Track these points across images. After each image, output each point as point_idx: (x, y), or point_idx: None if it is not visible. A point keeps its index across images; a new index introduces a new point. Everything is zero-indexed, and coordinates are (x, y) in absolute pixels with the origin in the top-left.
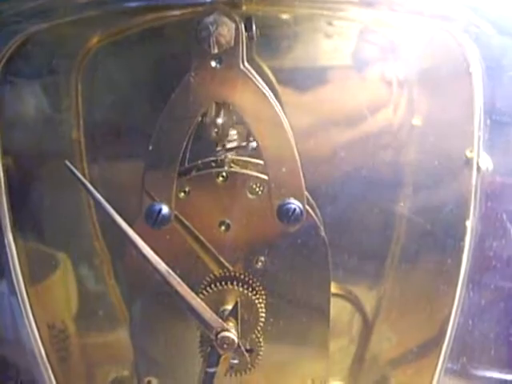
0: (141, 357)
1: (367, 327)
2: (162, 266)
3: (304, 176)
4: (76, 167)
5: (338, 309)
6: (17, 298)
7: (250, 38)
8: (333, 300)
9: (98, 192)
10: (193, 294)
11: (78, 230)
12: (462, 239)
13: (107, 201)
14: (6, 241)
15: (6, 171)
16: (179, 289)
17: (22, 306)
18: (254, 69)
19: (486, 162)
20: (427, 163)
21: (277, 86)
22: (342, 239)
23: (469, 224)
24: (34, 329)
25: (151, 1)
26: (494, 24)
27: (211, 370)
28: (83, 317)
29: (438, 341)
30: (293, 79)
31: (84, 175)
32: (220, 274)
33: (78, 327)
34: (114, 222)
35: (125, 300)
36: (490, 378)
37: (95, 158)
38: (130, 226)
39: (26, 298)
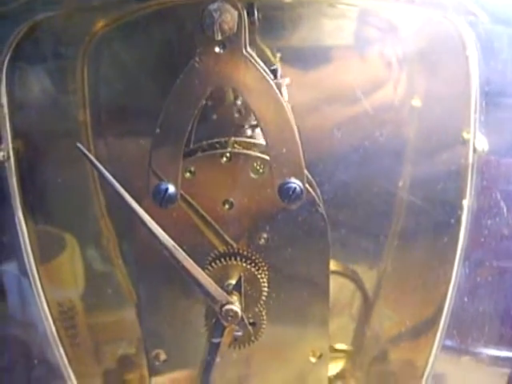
0: (149, 331)
1: (367, 305)
2: (169, 242)
3: (304, 155)
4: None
5: (339, 287)
6: (28, 277)
7: (252, 23)
8: (334, 278)
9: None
10: (199, 269)
11: (86, 210)
12: (459, 218)
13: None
14: (16, 221)
15: (16, 154)
16: (186, 264)
17: (33, 285)
18: (256, 52)
19: (481, 143)
20: (426, 143)
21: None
22: (342, 217)
23: (465, 203)
24: (44, 307)
25: None
26: (487, 12)
27: (216, 340)
28: (91, 295)
29: (435, 318)
30: (293, 59)
31: (90, 152)
32: (224, 250)
33: (85, 306)
34: (123, 200)
35: (132, 277)
36: (485, 354)
37: (101, 139)
38: (139, 204)
39: (36, 278)
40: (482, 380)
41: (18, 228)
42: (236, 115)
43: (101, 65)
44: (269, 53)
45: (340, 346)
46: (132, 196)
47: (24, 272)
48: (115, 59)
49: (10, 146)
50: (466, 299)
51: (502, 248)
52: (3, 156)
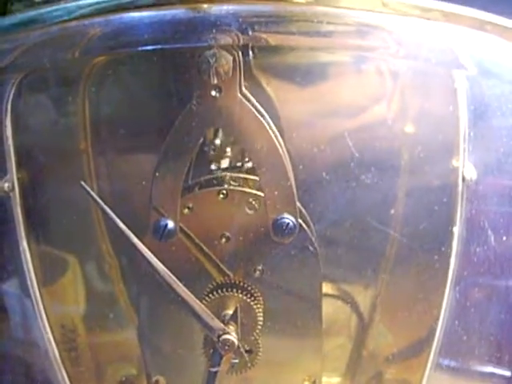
0: (149, 357)
1: (363, 326)
2: (168, 275)
3: (298, 192)
4: (84, 177)
5: (336, 309)
6: (31, 300)
7: (246, 63)
8: (330, 301)
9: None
10: (197, 301)
11: (88, 234)
12: (449, 244)
13: (115, 213)
14: (21, 250)
15: (20, 184)
16: (184, 296)
17: (36, 308)
18: (252, 86)
19: (470, 172)
20: (418, 170)
21: (276, 104)
22: (337, 242)
23: (455, 230)
24: (47, 330)
25: (163, 46)
26: (476, 65)
27: (214, 369)
28: (92, 317)
29: (428, 338)
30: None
31: (92, 184)
32: (221, 281)
33: (87, 327)
34: (125, 236)
35: (133, 303)
36: (478, 372)
37: (102, 165)
38: (139, 239)
39: (40, 301)
40: None
41: (23, 256)
42: (230, 153)
43: (101, 96)
44: (263, 83)
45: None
46: (132, 228)
47: (27, 295)
48: (117, 87)
49: (15, 176)
50: (457, 320)
51: (489, 274)
52: (8, 187)
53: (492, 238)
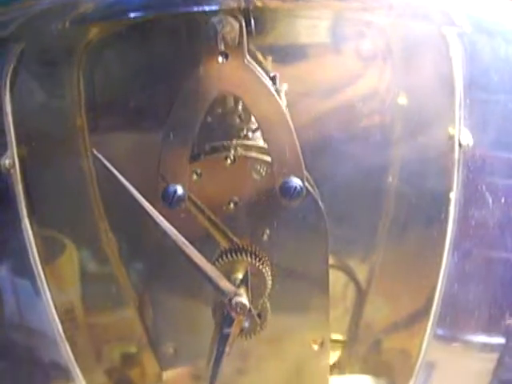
0: (159, 326)
1: (361, 296)
2: (180, 240)
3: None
4: (80, 154)
5: (333, 280)
6: (34, 278)
7: (249, 33)
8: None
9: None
10: (209, 264)
11: (85, 212)
12: (447, 210)
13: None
14: (23, 227)
15: (21, 161)
16: (196, 260)
17: (40, 285)
18: (252, 57)
19: (466, 139)
20: (414, 139)
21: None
22: (335, 212)
23: (452, 196)
24: (51, 307)
25: (158, 11)
26: (471, 23)
27: (226, 331)
28: (92, 296)
29: (426, 307)
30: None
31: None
32: (230, 246)
33: (87, 306)
34: (136, 203)
35: (132, 278)
36: (475, 341)
37: (97, 142)
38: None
39: (43, 279)
40: (472, 365)
41: (25, 233)
42: (237, 120)
43: (96, 71)
44: (260, 56)
45: (336, 336)
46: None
47: (30, 273)
48: (110, 66)
49: (15, 152)
50: (455, 287)
51: (488, 238)
52: (9, 163)
53: (490, 202)
